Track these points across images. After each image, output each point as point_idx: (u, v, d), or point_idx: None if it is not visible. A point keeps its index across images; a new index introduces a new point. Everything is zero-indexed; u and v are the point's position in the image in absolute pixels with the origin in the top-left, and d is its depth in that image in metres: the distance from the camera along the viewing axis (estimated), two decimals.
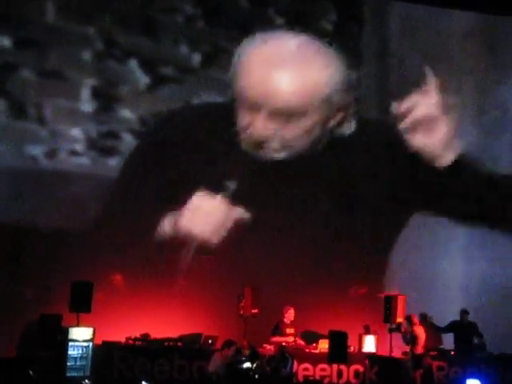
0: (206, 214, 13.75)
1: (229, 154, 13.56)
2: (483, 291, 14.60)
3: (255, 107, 13.42)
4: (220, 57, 13.50)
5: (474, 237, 14.58)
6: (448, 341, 14.04)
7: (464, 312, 14.15)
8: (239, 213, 13.70)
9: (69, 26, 12.98)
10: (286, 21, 13.88)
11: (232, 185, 13.63)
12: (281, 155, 13.72)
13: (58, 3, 12.96)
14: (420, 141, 14.09)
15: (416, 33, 14.62)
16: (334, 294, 14.31)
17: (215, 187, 13.41)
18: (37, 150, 12.85)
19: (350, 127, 13.88)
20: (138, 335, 13.04)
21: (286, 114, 13.59)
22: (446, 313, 14.18)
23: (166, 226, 13.58)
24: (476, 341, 13.93)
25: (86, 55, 13.00)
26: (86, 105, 13.02)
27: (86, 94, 13.00)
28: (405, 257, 14.54)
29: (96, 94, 13.04)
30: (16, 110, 12.78)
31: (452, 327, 14.15)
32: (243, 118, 13.44)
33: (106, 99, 13.08)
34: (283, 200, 14.06)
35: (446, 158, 14.17)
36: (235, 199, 13.61)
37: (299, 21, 13.96)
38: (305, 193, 14.15)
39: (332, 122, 13.73)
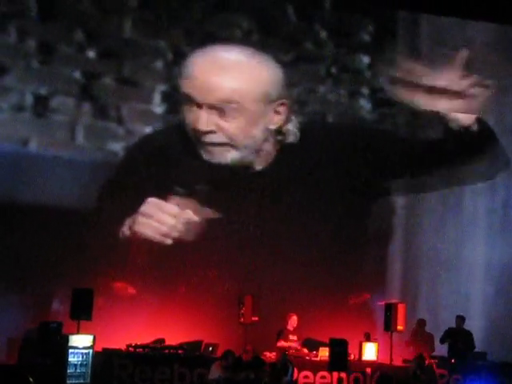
0: (156, 219, 13.68)
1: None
2: (504, 271, 15.05)
3: (198, 104, 13.64)
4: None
5: (494, 223, 15.23)
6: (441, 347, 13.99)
7: (460, 318, 14.01)
8: (189, 215, 13.73)
9: (143, 39, 13.99)
10: (329, 33, 14.77)
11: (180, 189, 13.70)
12: (231, 156, 13.89)
13: (134, 20, 13.90)
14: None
15: (444, 43, 15.18)
16: (335, 302, 14.29)
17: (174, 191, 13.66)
18: (116, 146, 13.82)
19: (294, 135, 14.15)
20: (142, 343, 12.75)
21: (224, 108, 13.73)
22: (470, 291, 14.95)
23: (125, 229, 13.58)
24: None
25: (158, 64, 14.01)
26: (157, 107, 14.00)
27: (157, 98, 13.97)
28: (431, 240, 15.01)
29: (166, 98, 14.00)
30: (99, 112, 13.74)
31: (448, 335, 13.91)
32: (189, 115, 13.76)
33: (174, 102, 14.00)
34: (283, 208, 14.27)
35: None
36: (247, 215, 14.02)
37: (341, 33, 14.87)
38: (304, 201, 14.36)
39: (272, 125, 14.04)
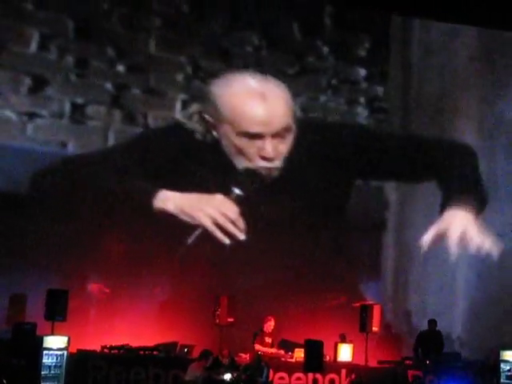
0: (222, 212, 14.07)
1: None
2: (485, 259, 15.57)
3: (257, 135, 14.35)
4: (280, 78, 15.00)
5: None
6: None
7: (432, 322, 14.20)
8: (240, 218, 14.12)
9: (166, 55, 14.72)
10: (330, 49, 15.52)
11: (238, 191, 14.22)
12: (276, 173, 14.59)
13: (158, 38, 14.66)
14: None
15: (431, 55, 16.01)
16: (310, 303, 14.34)
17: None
18: None
19: None
20: (114, 344, 12.51)
21: (281, 135, 14.53)
22: (455, 278, 15.51)
23: (170, 204, 13.92)
24: None
25: (179, 77, 14.75)
26: (179, 114, 14.72)
27: (178, 106, 14.72)
28: (421, 233, 15.50)
29: (186, 106, 14.73)
30: (128, 118, 14.45)
31: (420, 339, 14.09)
32: (250, 147, 14.33)
33: (199, 117, 14.60)
34: (260, 211, 14.46)
35: None
36: None
37: (340, 48, 15.63)
38: (281, 205, 14.62)
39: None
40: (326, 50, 15.62)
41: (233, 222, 14.08)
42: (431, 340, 14.08)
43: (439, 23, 15.98)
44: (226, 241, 14.02)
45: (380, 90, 15.94)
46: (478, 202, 15.58)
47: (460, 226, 15.23)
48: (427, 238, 15.11)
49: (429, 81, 16.10)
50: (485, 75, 16.19)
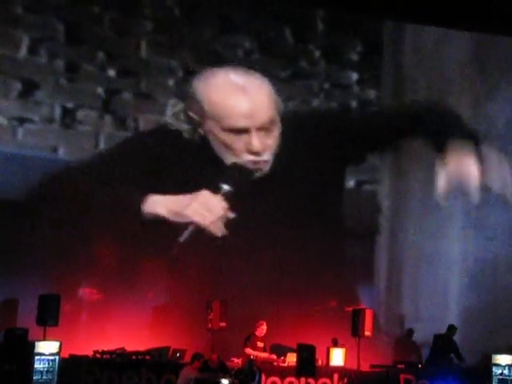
0: (209, 208, 14.13)
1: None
2: (477, 264, 15.79)
3: (242, 130, 14.39)
4: (272, 82, 15.07)
5: (469, 222, 15.93)
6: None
7: (453, 327, 14.24)
8: (228, 213, 14.22)
9: (157, 59, 14.78)
10: (322, 53, 15.61)
11: (227, 187, 14.21)
12: (266, 168, 14.60)
13: (149, 42, 14.71)
14: None
15: (423, 59, 16.16)
16: (303, 308, 14.35)
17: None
18: None
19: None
20: (106, 349, 12.48)
21: (266, 128, 14.54)
22: (447, 282, 15.65)
23: (160, 208, 13.97)
24: None
25: (170, 81, 14.81)
26: (170, 118, 14.68)
27: (169, 110, 14.73)
28: (413, 237, 15.75)
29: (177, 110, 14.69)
30: (119, 123, 14.50)
31: (438, 342, 14.09)
32: (236, 142, 14.36)
33: (185, 115, 14.67)
34: (253, 215, 14.49)
35: None
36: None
37: (332, 53, 15.70)
38: (274, 208, 14.66)
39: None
40: (317, 54, 15.71)
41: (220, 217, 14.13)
42: (445, 346, 14.14)
43: (431, 28, 16.12)
44: (219, 234, 14.14)
45: (372, 94, 16.01)
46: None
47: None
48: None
49: (421, 85, 16.18)
50: (477, 79, 16.29)
